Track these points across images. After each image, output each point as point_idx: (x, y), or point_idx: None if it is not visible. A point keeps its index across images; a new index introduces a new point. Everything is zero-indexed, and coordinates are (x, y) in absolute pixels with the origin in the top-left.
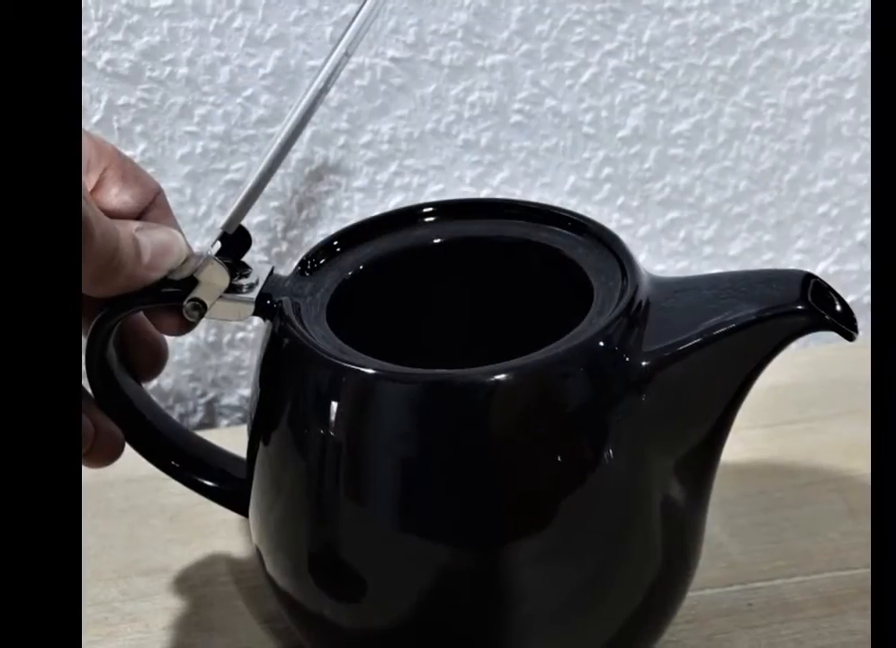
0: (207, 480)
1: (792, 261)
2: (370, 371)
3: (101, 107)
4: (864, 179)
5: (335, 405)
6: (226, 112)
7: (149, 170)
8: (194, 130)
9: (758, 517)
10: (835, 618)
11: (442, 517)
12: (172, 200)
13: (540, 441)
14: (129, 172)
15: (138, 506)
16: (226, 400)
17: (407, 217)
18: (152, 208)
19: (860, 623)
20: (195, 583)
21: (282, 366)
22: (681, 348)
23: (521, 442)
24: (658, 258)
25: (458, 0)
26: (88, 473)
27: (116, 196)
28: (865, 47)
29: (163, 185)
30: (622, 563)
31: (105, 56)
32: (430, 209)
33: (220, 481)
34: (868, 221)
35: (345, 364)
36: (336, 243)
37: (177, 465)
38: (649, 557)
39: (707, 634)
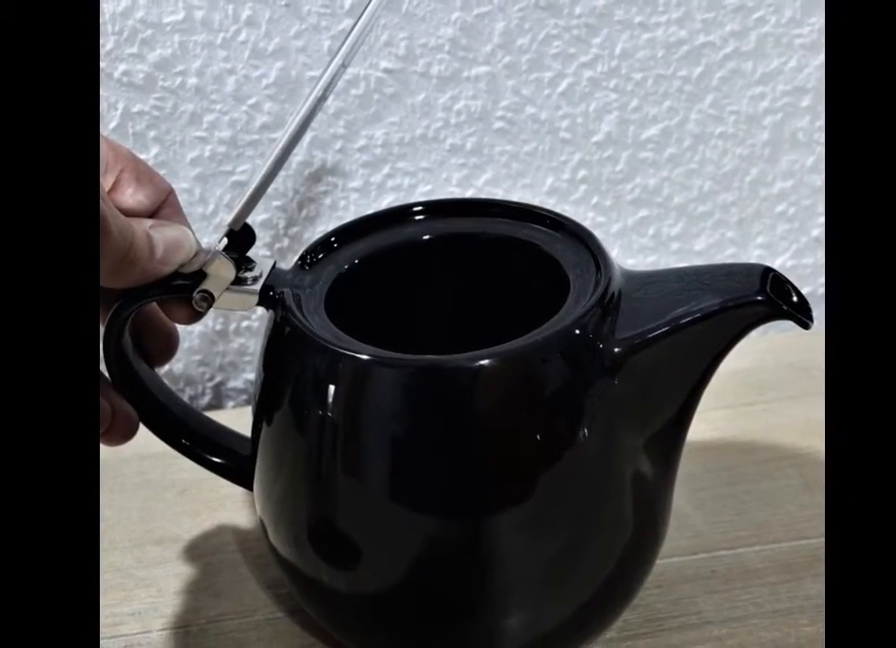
0: (214, 457)
1: (753, 256)
2: (364, 357)
3: (117, 114)
4: (819, 180)
5: (332, 388)
6: (232, 119)
7: (161, 172)
8: (203, 135)
9: (721, 491)
10: (792, 584)
11: (430, 490)
12: (182, 200)
13: (520, 421)
14: (144, 173)
15: (151, 481)
16: (232, 384)
17: (399, 215)
18: (164, 206)
19: (815, 588)
20: (204, 552)
21: (284, 352)
22: (650, 336)
23: (503, 422)
24: (630, 253)
25: (445, 16)
26: (105, 451)
27: (131, 196)
28: (820, 59)
29: (174, 186)
30: (597, 532)
31: (121, 67)
32: (419, 208)
33: (227, 458)
34: (822, 219)
35: (342, 351)
36: (333, 239)
37: (187, 443)
38: (621, 527)
39: (674, 599)
